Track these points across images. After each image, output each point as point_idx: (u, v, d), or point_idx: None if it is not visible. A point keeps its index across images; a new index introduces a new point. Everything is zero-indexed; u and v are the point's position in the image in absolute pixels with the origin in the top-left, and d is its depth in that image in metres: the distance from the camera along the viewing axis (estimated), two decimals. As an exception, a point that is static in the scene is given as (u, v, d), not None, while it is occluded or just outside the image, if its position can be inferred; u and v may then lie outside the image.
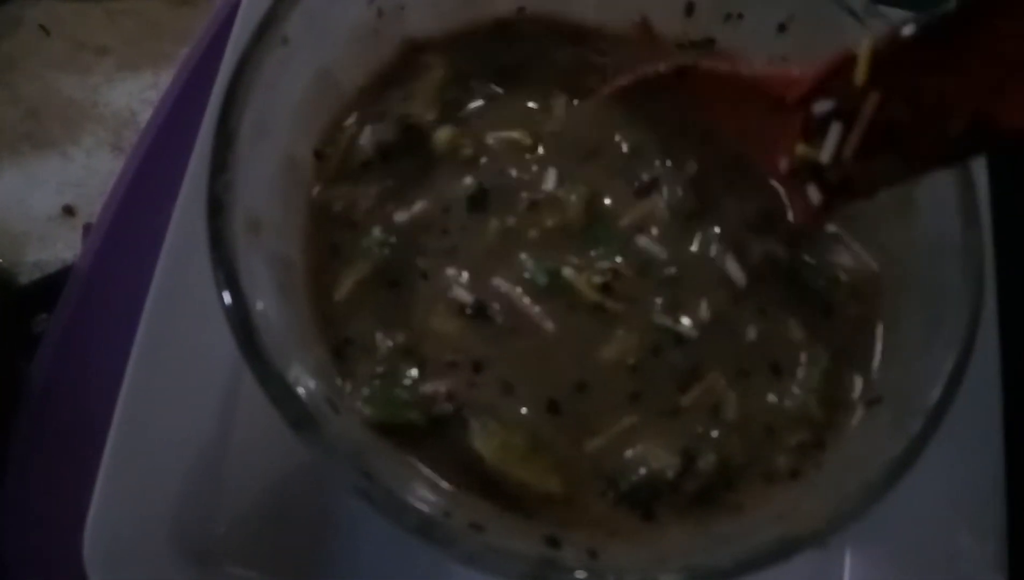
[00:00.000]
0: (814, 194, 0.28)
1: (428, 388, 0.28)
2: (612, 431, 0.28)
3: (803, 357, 0.30)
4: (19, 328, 0.43)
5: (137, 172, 0.44)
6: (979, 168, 0.39)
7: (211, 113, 0.37)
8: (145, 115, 0.49)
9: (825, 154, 0.27)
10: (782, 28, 0.33)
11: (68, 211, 0.47)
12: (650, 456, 0.28)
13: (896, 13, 0.34)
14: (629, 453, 0.28)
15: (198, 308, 0.34)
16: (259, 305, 0.25)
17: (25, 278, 0.45)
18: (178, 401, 0.34)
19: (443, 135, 0.31)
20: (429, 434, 0.28)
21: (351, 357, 0.28)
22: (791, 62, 0.31)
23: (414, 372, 0.28)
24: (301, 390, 0.25)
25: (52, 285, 0.44)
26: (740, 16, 0.33)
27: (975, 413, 0.34)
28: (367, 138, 0.31)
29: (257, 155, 0.26)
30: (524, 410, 0.28)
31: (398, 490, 0.24)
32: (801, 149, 0.28)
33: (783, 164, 0.29)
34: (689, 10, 0.33)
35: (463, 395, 0.28)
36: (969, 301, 0.27)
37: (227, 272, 0.24)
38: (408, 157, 0.31)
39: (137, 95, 0.50)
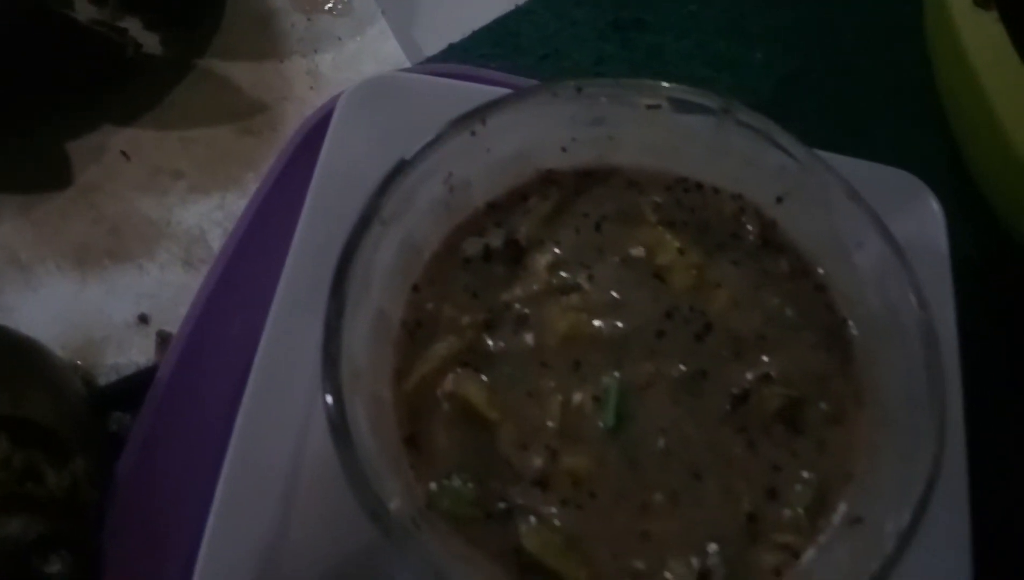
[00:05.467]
0: None
1: (486, 493, 0.34)
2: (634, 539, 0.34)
3: (798, 479, 0.36)
4: (101, 428, 0.48)
5: (214, 289, 0.50)
6: (946, 299, 0.45)
7: (296, 251, 0.42)
8: (213, 233, 0.54)
9: None
10: (779, 200, 0.40)
11: (143, 319, 0.51)
12: (669, 567, 0.34)
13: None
14: (651, 560, 0.34)
15: (275, 423, 0.40)
16: (359, 440, 0.30)
17: (103, 379, 0.49)
18: (259, 500, 0.39)
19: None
20: (485, 526, 0.34)
21: (424, 461, 0.35)
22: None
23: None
24: (391, 507, 0.30)
25: (128, 387, 0.49)
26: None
27: (947, 524, 0.40)
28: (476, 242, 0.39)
29: (357, 314, 0.32)
30: (564, 518, 0.34)
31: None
32: None
33: None
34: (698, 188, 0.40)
35: (515, 498, 0.34)
36: (934, 440, 0.32)
37: (339, 415, 0.30)
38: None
39: (207, 215, 0.54)
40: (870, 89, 0.62)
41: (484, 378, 0.36)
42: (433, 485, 0.34)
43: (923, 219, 0.47)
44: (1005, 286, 0.55)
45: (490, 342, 0.36)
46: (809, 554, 0.34)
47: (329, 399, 0.30)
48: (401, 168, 0.34)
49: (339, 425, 0.30)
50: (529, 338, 0.36)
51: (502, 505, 0.34)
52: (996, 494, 0.43)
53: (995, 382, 0.50)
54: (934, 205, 0.47)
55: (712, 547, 0.34)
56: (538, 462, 0.35)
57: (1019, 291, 0.54)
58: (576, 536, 0.34)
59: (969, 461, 0.41)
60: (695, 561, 0.34)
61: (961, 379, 0.43)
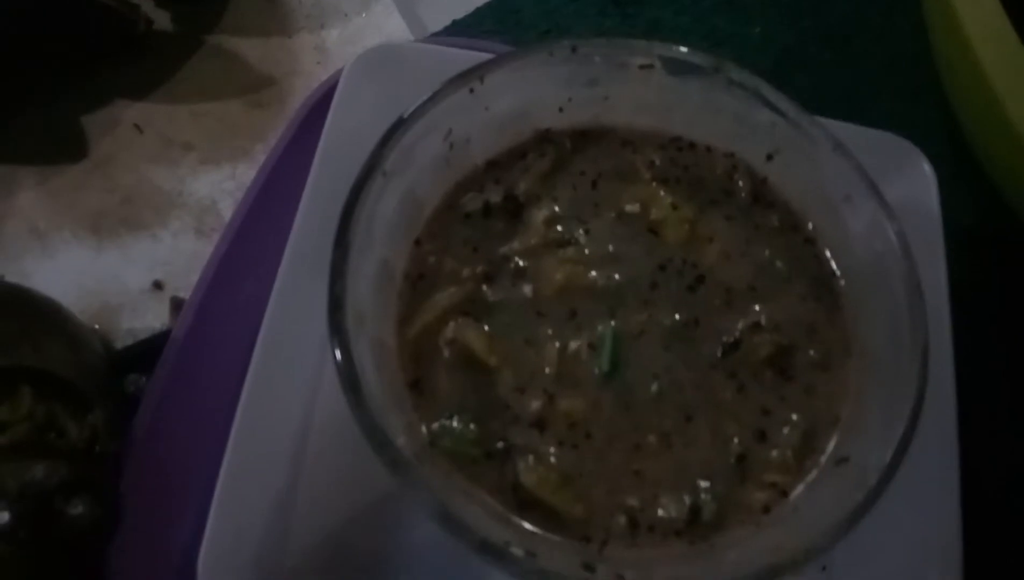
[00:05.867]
0: None
1: (486, 433, 0.36)
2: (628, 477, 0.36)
3: (787, 422, 0.37)
4: (118, 386, 0.50)
5: (225, 255, 0.51)
6: (938, 260, 0.47)
7: (304, 212, 0.44)
8: (224, 203, 0.56)
9: None
10: (770, 157, 0.41)
11: (157, 286, 0.53)
12: (661, 503, 0.35)
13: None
14: (644, 497, 0.35)
15: (285, 379, 0.42)
16: (364, 378, 0.32)
17: (120, 343, 0.51)
18: (269, 456, 0.41)
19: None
20: (485, 464, 0.35)
21: (427, 403, 0.36)
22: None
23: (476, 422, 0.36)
24: (395, 442, 0.32)
25: (143, 350, 0.51)
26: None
27: (936, 473, 0.41)
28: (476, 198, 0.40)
29: (361, 261, 0.34)
30: (560, 457, 0.36)
31: (468, 519, 0.31)
32: None
33: None
34: (692, 148, 0.41)
35: (513, 439, 0.36)
36: (916, 382, 0.34)
37: (344, 356, 0.31)
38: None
39: (217, 185, 0.56)
40: (868, 61, 0.63)
41: (484, 327, 0.37)
42: (436, 426, 0.36)
43: (915, 181, 0.48)
44: (1001, 254, 0.56)
45: (489, 293, 0.38)
46: (797, 492, 0.36)
47: (335, 338, 0.31)
48: (401, 122, 0.36)
49: (344, 363, 0.31)
50: (527, 289, 0.38)
51: (501, 445, 0.35)
52: (985, 446, 0.44)
53: (987, 343, 0.51)
54: (926, 167, 0.48)
55: (703, 484, 0.35)
56: (536, 405, 0.36)
57: (1014, 258, 0.55)
58: (571, 474, 0.35)
59: (959, 413, 0.42)
60: (686, 498, 0.35)
61: (952, 338, 0.44)
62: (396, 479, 0.31)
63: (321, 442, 0.42)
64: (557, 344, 0.37)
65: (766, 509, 0.35)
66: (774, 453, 0.36)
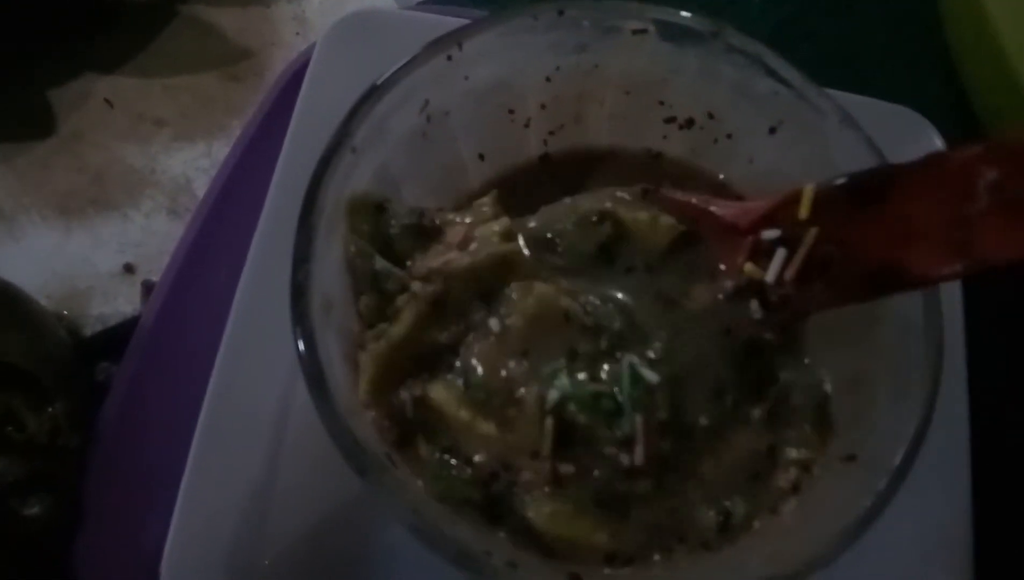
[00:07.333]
0: (756, 309, 0.33)
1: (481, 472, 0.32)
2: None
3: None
4: (84, 375, 0.48)
5: (197, 236, 0.49)
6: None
7: (275, 191, 0.42)
8: (198, 181, 0.53)
9: (770, 275, 0.32)
10: (772, 131, 0.38)
11: (128, 269, 0.50)
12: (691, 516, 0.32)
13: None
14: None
15: (256, 368, 0.39)
16: (331, 373, 0.29)
17: (89, 330, 0.49)
18: (239, 449, 0.39)
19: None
20: (485, 505, 0.32)
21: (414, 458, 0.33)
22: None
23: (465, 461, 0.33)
24: (365, 444, 0.29)
25: (113, 336, 0.49)
26: (729, 136, 0.38)
27: (946, 471, 0.39)
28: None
29: (328, 245, 0.31)
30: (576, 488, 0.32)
31: (444, 528, 0.29)
32: (749, 268, 0.33)
33: (729, 283, 0.34)
34: (689, 123, 0.38)
35: (517, 476, 0.32)
36: (930, 376, 0.31)
37: (308, 347, 0.28)
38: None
39: (192, 163, 0.54)
40: (872, 30, 0.60)
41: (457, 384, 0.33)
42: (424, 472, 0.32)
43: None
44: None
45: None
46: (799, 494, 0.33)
47: (297, 328, 0.29)
48: (372, 93, 0.33)
49: (308, 356, 0.29)
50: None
51: (502, 483, 0.32)
52: (996, 438, 0.42)
53: (1000, 326, 0.49)
54: (937, 141, 0.46)
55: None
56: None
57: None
58: (587, 501, 0.32)
59: (970, 407, 0.40)
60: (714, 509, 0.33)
61: (964, 328, 0.42)
62: (366, 485, 0.29)
63: (297, 434, 0.40)
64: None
65: (795, 488, 0.33)
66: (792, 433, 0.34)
